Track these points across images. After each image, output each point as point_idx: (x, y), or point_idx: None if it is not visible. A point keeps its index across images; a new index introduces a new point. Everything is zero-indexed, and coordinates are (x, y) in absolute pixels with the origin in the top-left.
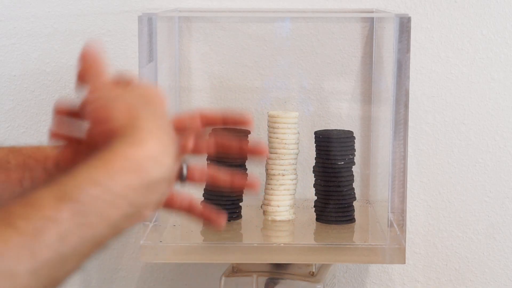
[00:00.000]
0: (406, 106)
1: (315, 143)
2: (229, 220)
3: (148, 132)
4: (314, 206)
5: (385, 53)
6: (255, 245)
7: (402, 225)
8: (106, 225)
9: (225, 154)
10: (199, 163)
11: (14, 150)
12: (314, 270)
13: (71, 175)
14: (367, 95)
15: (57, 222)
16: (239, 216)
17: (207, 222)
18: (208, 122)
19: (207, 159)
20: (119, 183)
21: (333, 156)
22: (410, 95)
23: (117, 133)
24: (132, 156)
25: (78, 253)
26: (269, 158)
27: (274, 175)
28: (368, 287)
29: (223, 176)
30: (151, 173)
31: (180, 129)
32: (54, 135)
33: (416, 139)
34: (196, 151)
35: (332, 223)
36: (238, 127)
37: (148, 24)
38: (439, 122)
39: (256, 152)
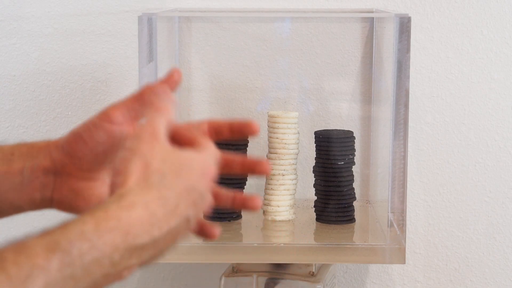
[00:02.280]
0: (406, 106)
1: (315, 143)
2: (229, 220)
3: (145, 201)
4: (314, 206)
5: (385, 53)
6: (255, 245)
7: (402, 225)
8: (88, 280)
9: (227, 171)
10: None
11: (21, 144)
12: (314, 270)
13: (63, 227)
14: (367, 95)
15: (46, 271)
16: (239, 216)
17: (202, 235)
18: (216, 131)
19: None
20: (106, 243)
21: (333, 156)
22: (410, 95)
23: (120, 188)
24: (123, 220)
25: None
26: (269, 158)
27: (274, 175)
28: (368, 287)
29: (224, 194)
30: (138, 239)
31: (187, 139)
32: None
33: (416, 139)
34: None
35: (332, 223)
36: (244, 136)
37: (148, 24)
38: (439, 122)
39: (258, 170)
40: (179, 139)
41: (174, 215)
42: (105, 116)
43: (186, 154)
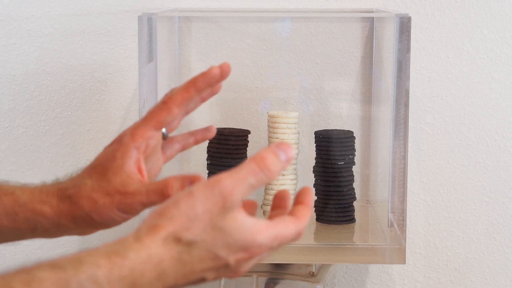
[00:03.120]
0: (406, 106)
1: (315, 143)
2: None
3: (161, 258)
4: (314, 206)
5: (385, 53)
6: None
7: (402, 225)
8: None
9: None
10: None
11: (19, 203)
12: (314, 270)
13: (75, 263)
14: (367, 95)
15: None
16: None
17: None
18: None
19: (207, 159)
20: None
21: (333, 156)
22: (410, 95)
23: (151, 229)
24: (135, 271)
25: None
26: None
27: None
28: (368, 287)
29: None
30: None
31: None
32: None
33: (416, 139)
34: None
35: (332, 223)
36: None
37: (148, 24)
38: (439, 122)
39: (206, 135)
40: (280, 204)
41: (186, 277)
42: (108, 184)
43: (236, 225)
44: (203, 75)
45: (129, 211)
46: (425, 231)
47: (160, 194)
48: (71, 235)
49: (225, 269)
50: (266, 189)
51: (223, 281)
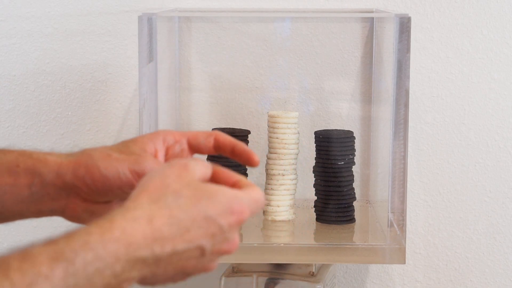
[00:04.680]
0: (406, 106)
1: (315, 143)
2: None
3: (151, 216)
4: (314, 206)
5: (385, 53)
6: (255, 245)
7: (402, 225)
8: None
9: (216, 151)
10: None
11: (23, 154)
12: (314, 270)
13: (68, 236)
14: (367, 95)
15: (50, 280)
16: None
17: (246, 160)
18: (220, 147)
19: (207, 159)
20: (110, 253)
21: (333, 156)
22: (410, 95)
23: (131, 202)
24: (127, 231)
25: None
26: (269, 158)
27: (274, 175)
28: (368, 287)
29: (227, 140)
30: (138, 252)
31: (194, 146)
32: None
33: (416, 139)
34: (197, 151)
35: (332, 223)
36: (242, 162)
37: (148, 24)
38: (439, 122)
39: (245, 159)
40: (220, 181)
41: (182, 238)
42: (127, 148)
43: (216, 187)
44: (246, 152)
45: (140, 175)
46: (425, 231)
47: None
48: (59, 203)
49: (220, 236)
50: (266, 189)
51: (223, 281)
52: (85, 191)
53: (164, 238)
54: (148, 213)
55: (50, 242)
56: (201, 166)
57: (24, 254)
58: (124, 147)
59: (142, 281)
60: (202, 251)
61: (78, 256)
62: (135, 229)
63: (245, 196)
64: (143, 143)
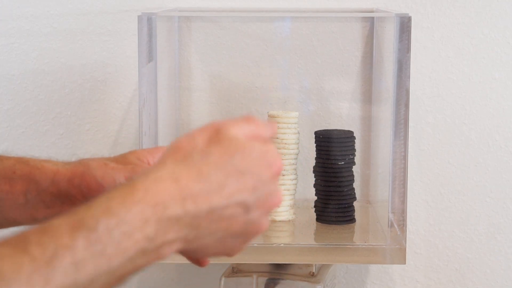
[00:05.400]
0: (407, 106)
1: (315, 143)
2: None
3: (175, 175)
4: (314, 206)
5: (386, 53)
6: (255, 245)
7: (402, 225)
8: (123, 258)
9: None
10: None
11: (21, 161)
12: (314, 271)
13: (88, 205)
14: (367, 95)
15: (72, 250)
16: None
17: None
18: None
19: None
20: (135, 216)
21: (333, 156)
22: (410, 95)
23: (156, 165)
24: (150, 191)
25: (94, 284)
26: None
27: None
28: (368, 287)
29: None
30: (168, 211)
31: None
32: None
33: (416, 139)
34: None
35: (332, 223)
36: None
37: (147, 23)
38: (439, 122)
39: None
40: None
41: (217, 194)
42: (124, 159)
43: (248, 142)
44: None
45: None
46: (426, 231)
47: None
48: (53, 211)
49: (263, 189)
50: None
51: (223, 281)
52: (80, 200)
53: (194, 195)
54: (172, 172)
55: (70, 213)
56: (240, 126)
57: (43, 227)
58: (121, 157)
59: (189, 248)
60: (245, 207)
61: (100, 223)
62: (160, 188)
63: (273, 149)
64: (140, 154)
